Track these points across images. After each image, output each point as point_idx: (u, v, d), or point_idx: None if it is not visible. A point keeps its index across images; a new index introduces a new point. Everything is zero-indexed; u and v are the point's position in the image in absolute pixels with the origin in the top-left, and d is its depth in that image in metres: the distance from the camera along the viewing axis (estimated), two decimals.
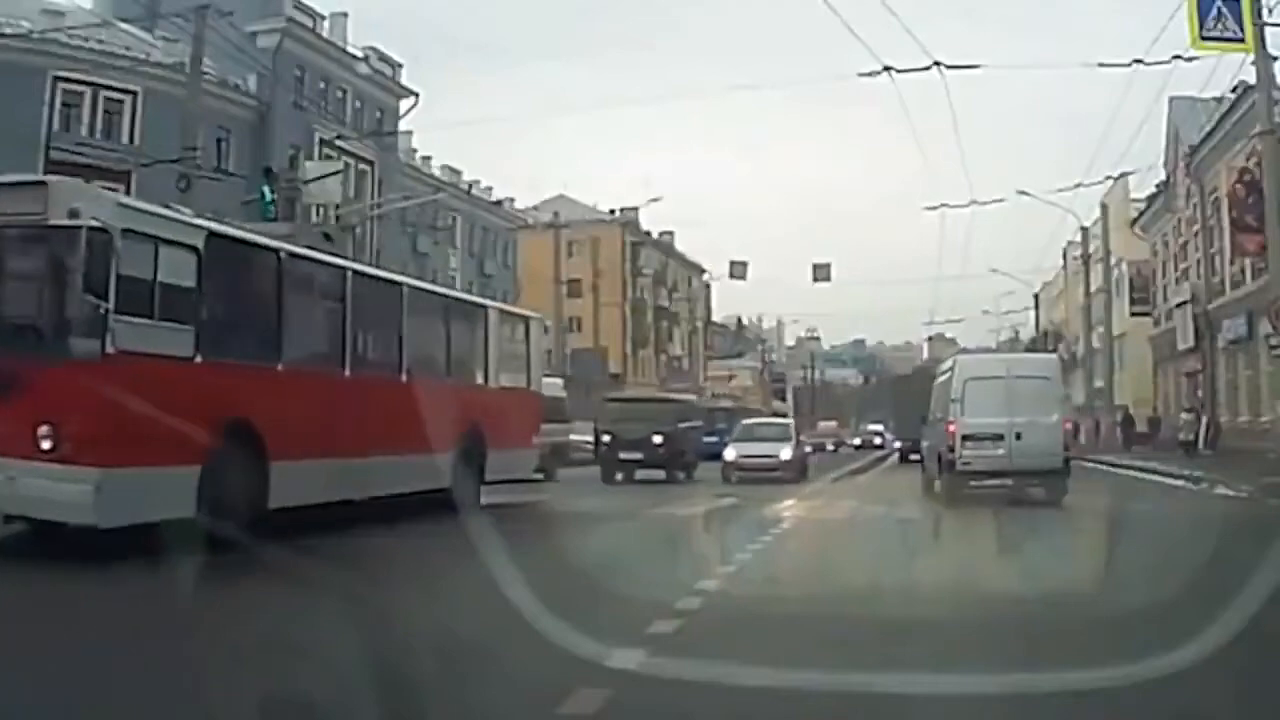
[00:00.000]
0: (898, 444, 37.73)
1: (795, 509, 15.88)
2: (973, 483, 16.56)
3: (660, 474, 22.98)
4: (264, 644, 5.66)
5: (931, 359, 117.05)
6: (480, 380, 15.25)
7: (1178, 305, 38.63)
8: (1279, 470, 18.54)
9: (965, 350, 42.46)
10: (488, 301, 18.09)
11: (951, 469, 16.54)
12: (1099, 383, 43.43)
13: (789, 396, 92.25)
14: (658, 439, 22.76)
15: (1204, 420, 31.90)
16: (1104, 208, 40.49)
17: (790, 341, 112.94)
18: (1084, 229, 42.37)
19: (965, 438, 16.29)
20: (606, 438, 23.41)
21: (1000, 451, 16.19)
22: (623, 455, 22.84)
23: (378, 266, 18.13)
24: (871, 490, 21.44)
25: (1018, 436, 16.10)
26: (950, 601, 7.50)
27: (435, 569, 9.06)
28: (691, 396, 32.89)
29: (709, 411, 41.27)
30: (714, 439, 34.21)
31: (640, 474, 23.01)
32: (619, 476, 22.94)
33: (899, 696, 4.82)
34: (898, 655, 5.60)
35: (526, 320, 17.22)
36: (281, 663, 5.15)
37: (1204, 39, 19.37)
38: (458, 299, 16.46)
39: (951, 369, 17.63)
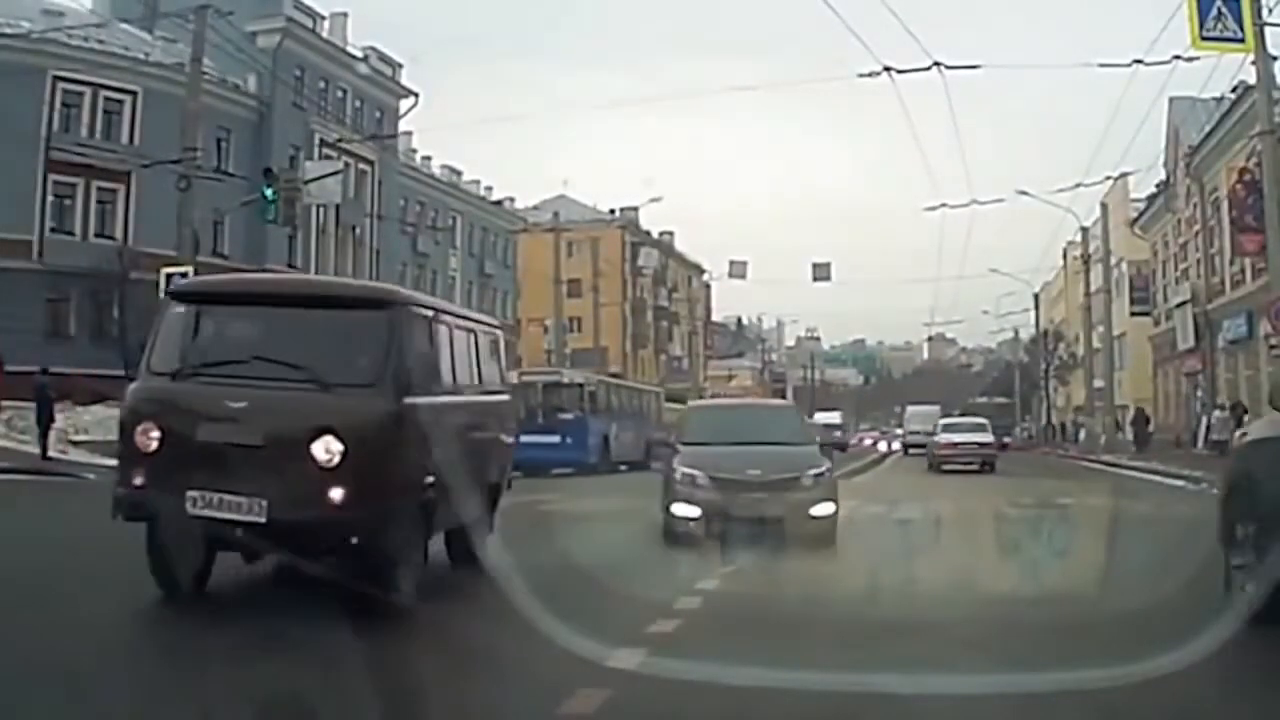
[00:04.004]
0: (894, 444, 52.97)
1: None
2: (910, 450, 41.31)
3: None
4: None
5: (931, 359, 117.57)
6: None
7: (1178, 305, 38.66)
8: None
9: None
10: None
11: (902, 445, 46.23)
12: (1099, 383, 43.43)
13: (789, 396, 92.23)
14: (324, 449, 6.06)
15: (1245, 419, 29.38)
16: (1104, 208, 40.46)
17: (790, 341, 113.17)
18: (1084, 229, 42.34)
19: (909, 432, 45.21)
20: (153, 438, 6.30)
21: (919, 437, 38.81)
22: (196, 508, 6.05)
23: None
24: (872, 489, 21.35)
25: (925, 433, 36.94)
26: (950, 601, 7.49)
27: None
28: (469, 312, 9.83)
29: (543, 389, 25.19)
30: (546, 437, 22.45)
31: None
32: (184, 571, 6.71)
33: (899, 696, 4.82)
34: (898, 655, 5.60)
35: None
36: None
37: (1204, 39, 19.31)
38: None
39: (906, 410, 52.44)
